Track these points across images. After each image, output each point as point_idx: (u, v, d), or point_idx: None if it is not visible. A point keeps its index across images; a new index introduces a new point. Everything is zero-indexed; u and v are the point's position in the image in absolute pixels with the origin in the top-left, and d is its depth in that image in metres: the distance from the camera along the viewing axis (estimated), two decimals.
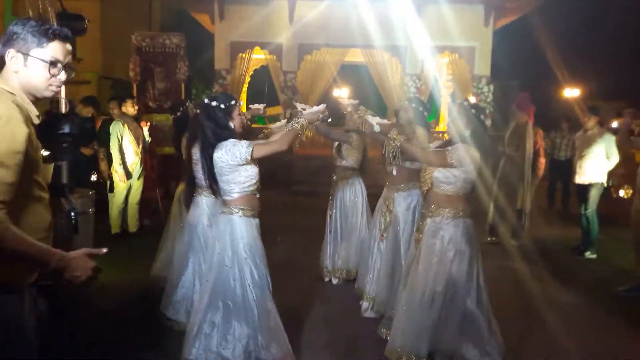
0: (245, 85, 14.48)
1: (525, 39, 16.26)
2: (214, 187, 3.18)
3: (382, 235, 4.13)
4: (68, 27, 3.98)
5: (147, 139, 6.95)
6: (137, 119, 6.95)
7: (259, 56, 13.35)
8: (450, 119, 3.31)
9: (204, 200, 3.98)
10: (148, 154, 7.17)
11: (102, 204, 6.81)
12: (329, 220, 5.16)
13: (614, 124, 26.31)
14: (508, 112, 13.72)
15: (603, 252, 6.49)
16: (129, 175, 6.63)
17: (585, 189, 6.54)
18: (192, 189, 4.06)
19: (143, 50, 8.82)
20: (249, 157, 2.97)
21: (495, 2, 12.22)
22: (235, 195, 3.11)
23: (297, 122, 3.12)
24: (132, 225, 6.87)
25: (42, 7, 3.93)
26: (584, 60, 21.25)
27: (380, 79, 13.11)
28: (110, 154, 6.56)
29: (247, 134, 3.58)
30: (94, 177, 7.30)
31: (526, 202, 7.00)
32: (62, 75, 1.90)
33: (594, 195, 6.46)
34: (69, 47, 1.92)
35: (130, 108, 6.66)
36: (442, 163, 3.13)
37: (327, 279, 5.16)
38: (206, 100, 3.17)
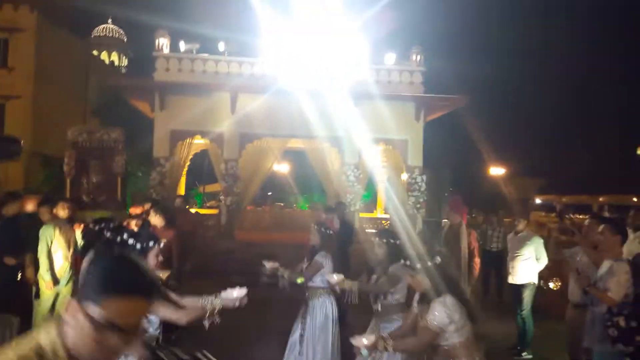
0: (185, 169, 14.39)
1: (454, 129, 17.47)
2: None
3: None
4: (1, 149, 3.88)
5: (80, 242, 6.60)
6: (70, 219, 6.64)
7: (199, 141, 13.39)
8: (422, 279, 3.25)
9: None
10: (79, 256, 6.80)
11: (26, 311, 6.32)
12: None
13: (537, 200, 28.30)
14: (441, 199, 14.49)
15: (539, 350, 6.67)
16: (56, 281, 6.22)
17: (518, 289, 6.82)
18: None
19: (79, 145, 8.61)
20: None
21: (425, 100, 13.14)
22: None
23: (210, 303, 2.97)
24: None
25: None
26: (506, 145, 23.06)
27: (320, 167, 13.48)
28: (37, 259, 6.16)
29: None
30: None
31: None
32: None
33: (527, 296, 6.73)
34: None
35: (61, 211, 6.36)
36: (434, 337, 3.04)
37: None
38: (125, 235, 3.01)
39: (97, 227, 4.71)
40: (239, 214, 13.29)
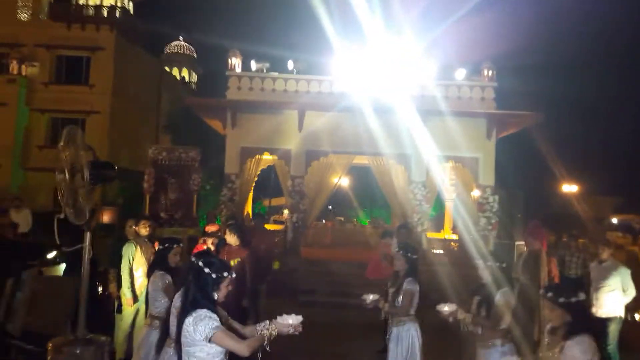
0: (253, 184, 14.69)
1: (527, 147, 16.81)
2: (177, 350, 3.10)
3: None
4: (98, 175, 4.09)
5: None
6: (150, 238, 6.92)
7: (266, 157, 13.66)
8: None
9: (171, 352, 3.81)
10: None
11: (108, 325, 6.64)
12: None
13: (614, 220, 26.60)
14: (514, 220, 13.94)
15: None
16: (136, 299, 6.47)
17: (603, 322, 6.40)
18: (165, 334, 3.68)
19: (158, 163, 9.01)
20: (209, 338, 2.88)
21: (497, 116, 12.74)
22: None
23: (266, 330, 3.04)
24: None
25: (77, 158, 4.02)
26: (581, 163, 21.92)
27: (386, 184, 13.34)
28: (120, 275, 6.45)
29: None
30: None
31: (543, 333, 6.82)
32: None
33: (613, 331, 6.31)
34: None
35: (143, 230, 6.64)
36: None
37: None
38: (200, 263, 3.08)
39: (162, 247, 4.90)
40: (304, 231, 13.39)
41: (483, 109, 12.73)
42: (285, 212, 15.51)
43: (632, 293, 6.38)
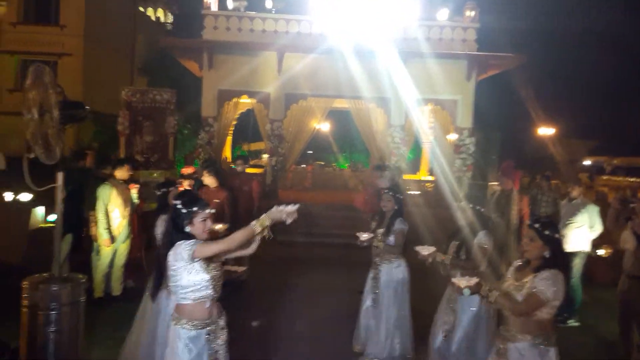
0: (232, 129, 14.56)
1: (505, 88, 16.78)
2: (156, 285, 3.22)
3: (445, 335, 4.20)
4: (69, 115, 4.01)
5: (136, 201, 6.88)
6: (126, 180, 6.89)
7: (245, 100, 13.46)
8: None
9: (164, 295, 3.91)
10: (136, 214, 7.09)
11: (85, 266, 6.73)
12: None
13: (587, 162, 27.18)
14: (490, 162, 14.15)
15: (586, 318, 6.58)
16: (113, 239, 6.53)
17: (569, 256, 6.68)
18: (159, 279, 3.52)
19: (132, 105, 8.81)
20: (190, 255, 2.83)
21: (478, 58, 12.63)
22: (179, 301, 2.97)
23: (256, 220, 2.91)
24: (117, 289, 6.74)
25: (44, 97, 3.91)
26: (559, 104, 22.03)
27: (365, 128, 13.34)
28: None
29: None
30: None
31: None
32: None
33: (577, 264, 6.60)
34: None
35: (125, 173, 6.62)
36: (539, 306, 2.86)
37: None
38: (174, 201, 3.06)
39: (161, 191, 4.93)
40: (283, 174, 13.43)
41: (464, 51, 12.58)
42: (265, 156, 15.47)
43: (598, 229, 6.63)
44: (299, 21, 12.64)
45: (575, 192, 6.80)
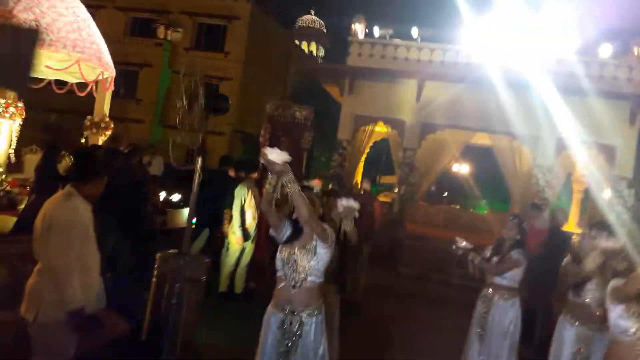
0: (364, 156, 14.69)
1: None
2: None
3: None
4: (213, 106, 4.33)
5: None
6: (259, 184, 7.25)
7: (380, 129, 13.53)
8: None
9: None
10: (264, 218, 7.39)
11: (214, 262, 7.14)
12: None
13: None
14: None
15: None
16: (246, 237, 6.84)
17: None
18: None
19: (274, 119, 9.35)
20: None
21: None
22: None
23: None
24: (239, 287, 7.03)
25: (194, 86, 4.30)
26: None
27: (506, 166, 12.56)
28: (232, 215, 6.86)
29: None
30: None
31: None
32: None
33: None
34: None
35: (255, 175, 7.01)
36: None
37: None
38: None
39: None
40: (411, 206, 13.11)
41: (629, 90, 11.30)
42: (396, 190, 15.32)
43: None
44: (444, 50, 12.46)
45: None
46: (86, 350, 3.74)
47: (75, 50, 6.73)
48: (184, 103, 4.26)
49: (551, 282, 4.86)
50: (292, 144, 9.60)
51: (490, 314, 4.51)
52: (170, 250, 4.52)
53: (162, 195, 12.55)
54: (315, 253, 3.06)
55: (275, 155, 2.84)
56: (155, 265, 4.33)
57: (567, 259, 4.00)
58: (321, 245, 3.07)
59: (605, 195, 11.66)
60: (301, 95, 24.84)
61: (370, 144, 14.52)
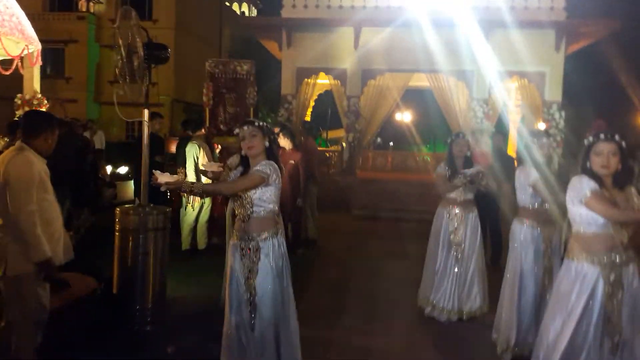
0: (309, 110, 14.79)
1: (601, 64, 15.58)
2: None
3: None
4: (153, 56, 4.31)
5: (218, 162, 7.24)
6: (209, 141, 7.27)
7: (323, 81, 13.63)
8: None
9: None
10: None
11: (174, 221, 7.21)
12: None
13: None
14: (582, 138, 13.24)
15: None
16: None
17: None
18: None
19: (215, 77, 9.25)
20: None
21: (567, 27, 11.88)
22: None
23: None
24: (201, 243, 7.13)
25: (131, 38, 4.24)
26: None
27: (445, 103, 12.99)
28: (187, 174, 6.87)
29: None
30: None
31: None
32: None
33: None
34: None
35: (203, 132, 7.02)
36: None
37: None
38: None
39: None
40: (361, 153, 13.43)
41: (552, 19, 11.87)
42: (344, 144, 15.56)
43: None
44: None
45: None
46: (60, 309, 3.81)
47: None
48: (122, 55, 4.19)
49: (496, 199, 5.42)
50: (238, 101, 9.59)
51: (460, 229, 4.85)
52: (129, 205, 4.57)
53: (109, 168, 12.39)
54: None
55: (166, 177, 2.93)
56: (117, 220, 4.36)
57: (535, 177, 4.12)
58: None
59: (538, 122, 12.39)
60: (239, 55, 24.41)
61: (315, 96, 14.62)
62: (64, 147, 5.84)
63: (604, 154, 2.96)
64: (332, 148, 13.47)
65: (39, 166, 3.12)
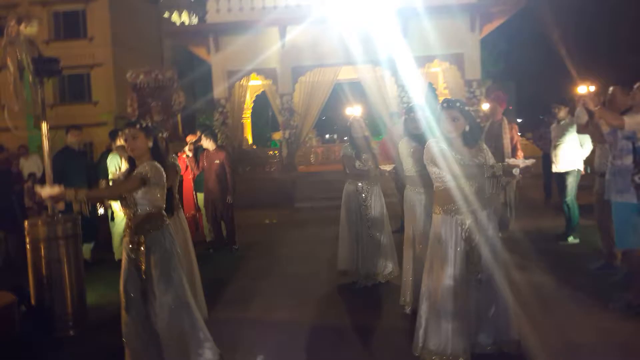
0: (249, 112, 15.02)
1: (517, 38, 16.38)
2: None
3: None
4: (43, 69, 4.48)
5: None
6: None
7: (256, 82, 13.87)
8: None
9: None
10: None
11: (107, 233, 7.34)
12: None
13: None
14: (505, 112, 13.91)
15: (585, 236, 6.57)
16: None
17: (562, 177, 6.69)
18: None
19: (139, 87, 9.37)
20: None
21: (479, 8, 12.51)
22: None
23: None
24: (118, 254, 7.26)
25: (19, 56, 4.40)
26: (582, 55, 20.96)
27: (373, 94, 13.47)
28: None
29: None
30: (101, 210, 7.74)
31: (510, 196, 7.17)
32: None
33: (571, 183, 6.60)
34: None
35: (123, 141, 7.14)
36: None
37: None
38: None
39: None
40: (299, 149, 13.73)
41: (464, 2, 12.48)
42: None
43: (588, 147, 6.59)
44: None
45: (562, 112, 6.76)
46: None
47: None
48: (11, 71, 4.35)
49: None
50: (163, 108, 9.73)
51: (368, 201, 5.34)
52: (37, 216, 4.72)
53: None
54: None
55: (47, 190, 3.09)
56: (26, 232, 4.52)
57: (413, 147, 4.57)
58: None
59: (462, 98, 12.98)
60: (180, 66, 24.29)
61: (252, 98, 14.85)
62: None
63: (448, 120, 3.39)
64: (272, 152, 13.76)
65: None
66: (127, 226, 3.36)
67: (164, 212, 3.46)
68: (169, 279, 3.30)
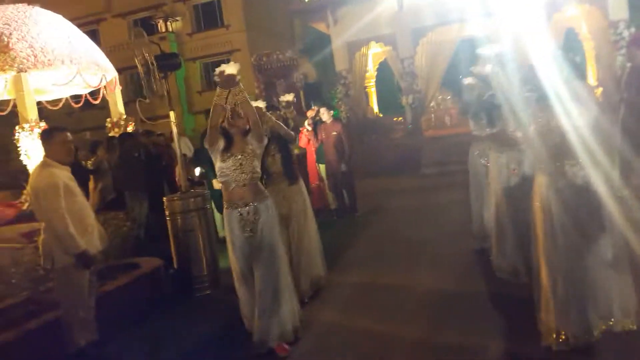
0: (372, 80, 14.93)
1: None
2: None
3: None
4: (164, 65, 5.07)
5: None
6: None
7: (377, 50, 13.78)
8: None
9: None
10: None
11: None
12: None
13: None
14: None
15: None
16: None
17: None
18: None
19: (263, 68, 9.96)
20: None
21: None
22: None
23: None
24: None
25: (144, 54, 5.03)
26: None
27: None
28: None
29: None
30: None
31: None
32: None
33: None
34: None
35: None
36: None
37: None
38: None
39: None
40: (424, 113, 13.39)
41: None
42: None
43: None
44: None
45: None
46: (130, 284, 4.70)
47: (73, 62, 7.32)
48: (140, 68, 5.00)
49: None
50: (288, 86, 10.25)
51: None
52: (174, 194, 5.46)
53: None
54: (254, 155, 3.62)
55: (232, 68, 3.33)
56: (165, 206, 5.26)
57: None
58: (257, 145, 3.64)
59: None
60: (310, 42, 24.97)
61: (376, 66, 14.77)
62: (128, 157, 6.92)
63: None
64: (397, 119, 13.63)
65: (62, 174, 3.54)
66: (238, 197, 3.56)
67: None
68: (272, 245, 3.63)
